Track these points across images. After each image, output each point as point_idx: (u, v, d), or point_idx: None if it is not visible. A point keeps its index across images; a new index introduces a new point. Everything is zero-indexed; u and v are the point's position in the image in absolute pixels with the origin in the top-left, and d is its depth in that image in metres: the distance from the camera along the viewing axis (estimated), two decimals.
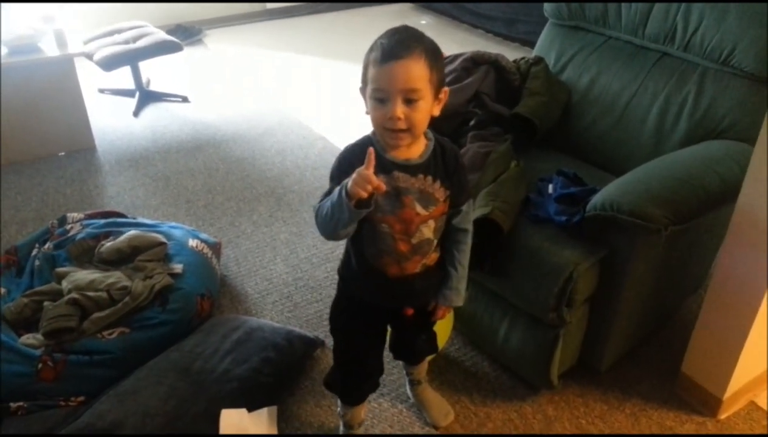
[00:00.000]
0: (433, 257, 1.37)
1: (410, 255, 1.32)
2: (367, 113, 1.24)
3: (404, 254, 1.31)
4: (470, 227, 1.41)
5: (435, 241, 1.34)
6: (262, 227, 2.69)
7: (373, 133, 1.28)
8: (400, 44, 1.17)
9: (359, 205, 1.15)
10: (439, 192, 1.29)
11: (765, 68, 1.78)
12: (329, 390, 1.66)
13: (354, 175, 1.13)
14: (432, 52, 1.20)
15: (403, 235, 1.29)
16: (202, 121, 3.74)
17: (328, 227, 1.23)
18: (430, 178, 1.27)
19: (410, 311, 1.43)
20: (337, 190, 1.18)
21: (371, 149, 1.14)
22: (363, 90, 1.24)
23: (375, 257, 1.33)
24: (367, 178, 1.11)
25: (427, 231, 1.31)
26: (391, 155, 1.26)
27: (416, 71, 1.16)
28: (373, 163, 1.12)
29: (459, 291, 1.43)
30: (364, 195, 1.13)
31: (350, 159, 1.24)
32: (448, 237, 1.39)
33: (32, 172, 3.16)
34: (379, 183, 1.13)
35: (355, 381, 1.58)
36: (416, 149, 1.28)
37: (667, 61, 2.01)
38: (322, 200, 1.25)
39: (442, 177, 1.29)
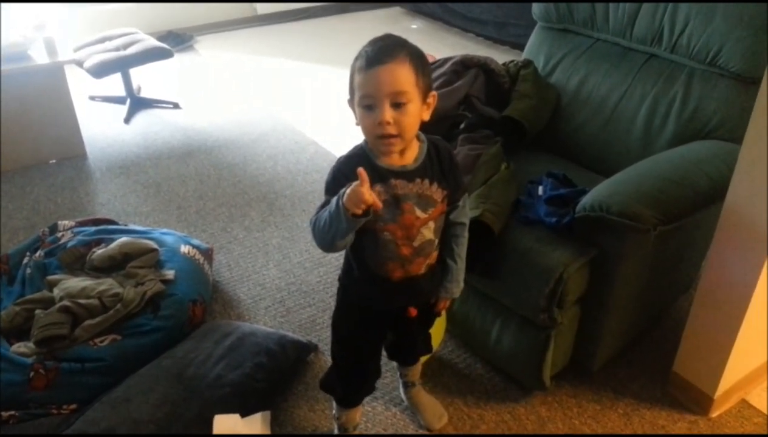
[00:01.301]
0: (434, 256, 1.38)
1: (413, 258, 1.32)
2: (357, 124, 1.24)
3: (407, 258, 1.32)
4: (467, 220, 1.43)
5: (436, 241, 1.35)
6: (254, 232, 2.69)
7: (365, 142, 1.28)
8: (384, 49, 1.18)
9: (357, 215, 1.14)
10: (437, 193, 1.30)
11: (751, 68, 1.80)
12: (326, 393, 1.66)
13: (348, 191, 1.12)
14: (416, 57, 1.21)
15: (405, 240, 1.30)
16: (193, 127, 3.74)
17: (326, 238, 1.22)
18: (427, 181, 1.28)
19: (414, 311, 1.43)
20: (334, 200, 1.17)
21: (361, 170, 1.11)
22: (351, 101, 1.25)
23: (378, 264, 1.33)
24: (360, 197, 1.10)
25: (428, 232, 1.31)
26: (386, 163, 1.26)
27: (402, 74, 1.17)
28: (366, 181, 1.10)
29: (459, 282, 1.45)
30: (359, 212, 1.12)
31: (344, 171, 1.24)
32: (445, 231, 1.40)
33: (23, 180, 3.14)
34: (374, 199, 1.12)
35: (355, 386, 1.59)
36: (410, 154, 1.28)
37: (655, 63, 2.03)
38: (318, 212, 1.24)
39: (438, 178, 1.30)
